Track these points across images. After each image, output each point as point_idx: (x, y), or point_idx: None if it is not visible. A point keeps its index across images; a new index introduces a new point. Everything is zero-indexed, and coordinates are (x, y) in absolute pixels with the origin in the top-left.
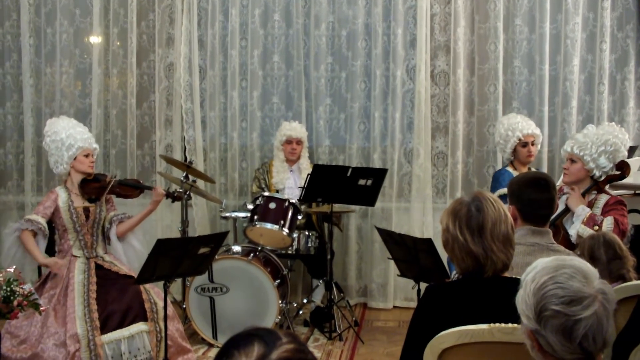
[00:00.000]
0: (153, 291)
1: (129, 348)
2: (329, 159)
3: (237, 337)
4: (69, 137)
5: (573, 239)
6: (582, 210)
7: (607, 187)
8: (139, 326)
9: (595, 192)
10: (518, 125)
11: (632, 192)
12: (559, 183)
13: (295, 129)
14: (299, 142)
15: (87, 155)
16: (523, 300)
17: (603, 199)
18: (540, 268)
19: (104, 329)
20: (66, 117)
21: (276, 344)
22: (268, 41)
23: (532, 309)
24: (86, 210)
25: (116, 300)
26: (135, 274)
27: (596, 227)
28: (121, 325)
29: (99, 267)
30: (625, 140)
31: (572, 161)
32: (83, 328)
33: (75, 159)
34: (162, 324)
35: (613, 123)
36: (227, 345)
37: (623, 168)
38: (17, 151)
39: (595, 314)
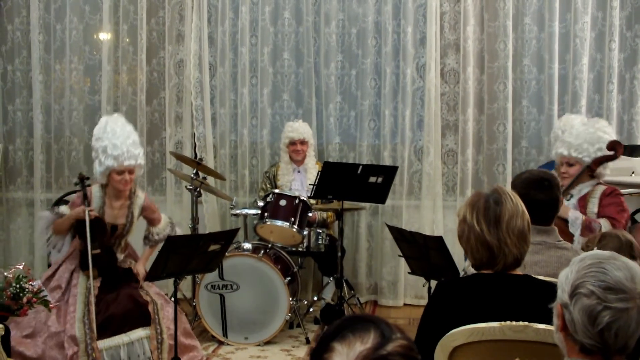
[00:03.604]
0: (152, 290)
1: (128, 354)
2: (339, 156)
3: (353, 320)
4: (105, 149)
5: (577, 247)
6: (575, 219)
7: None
8: (139, 332)
9: (590, 175)
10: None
11: None
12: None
13: (297, 129)
14: (302, 142)
15: (120, 173)
16: (565, 274)
17: (599, 190)
18: (592, 253)
19: (103, 334)
20: (119, 118)
21: (392, 337)
22: (278, 38)
23: (570, 283)
24: (113, 227)
25: (118, 305)
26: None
27: None
28: (121, 330)
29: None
30: (611, 129)
31: (570, 164)
32: (81, 331)
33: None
34: (163, 324)
35: (596, 118)
36: (341, 326)
37: (615, 148)
38: (26, 148)
39: (627, 311)
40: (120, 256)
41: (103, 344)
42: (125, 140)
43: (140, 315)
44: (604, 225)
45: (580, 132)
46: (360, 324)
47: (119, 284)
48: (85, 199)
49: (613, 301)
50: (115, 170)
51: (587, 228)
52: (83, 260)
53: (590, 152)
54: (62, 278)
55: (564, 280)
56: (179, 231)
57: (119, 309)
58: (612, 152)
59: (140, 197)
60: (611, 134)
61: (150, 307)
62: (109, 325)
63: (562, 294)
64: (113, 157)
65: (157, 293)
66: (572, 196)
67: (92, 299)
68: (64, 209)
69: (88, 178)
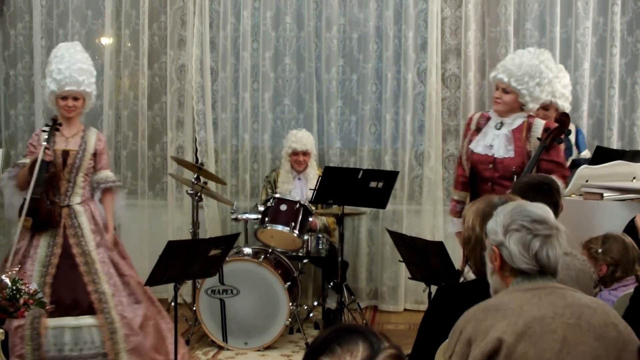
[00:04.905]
0: (104, 279)
1: (74, 339)
2: (340, 161)
3: (339, 332)
4: (51, 73)
5: None
6: None
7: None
8: (86, 319)
9: (521, 108)
10: None
11: None
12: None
13: (301, 140)
14: (305, 153)
15: (64, 98)
16: (494, 221)
17: (539, 126)
18: (509, 203)
19: (52, 312)
20: (74, 45)
21: (381, 347)
22: (279, 43)
23: (501, 225)
24: (65, 153)
25: (68, 288)
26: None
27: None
28: (68, 313)
29: (65, 245)
30: (557, 69)
31: (505, 91)
32: None
33: (56, 99)
34: (113, 313)
35: (543, 50)
36: (328, 339)
37: (563, 120)
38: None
39: (550, 237)
40: (77, 198)
41: (50, 322)
42: (70, 65)
43: (88, 304)
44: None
45: (524, 62)
46: (348, 336)
47: (73, 270)
48: (48, 140)
49: (540, 230)
50: (60, 96)
51: None
52: (22, 206)
53: (530, 85)
54: (24, 239)
55: (494, 225)
56: (124, 194)
57: (70, 293)
58: (557, 125)
59: (94, 130)
60: (553, 70)
61: (94, 297)
62: (58, 305)
63: (496, 236)
64: (56, 81)
65: (111, 281)
66: (502, 125)
67: (52, 271)
68: (23, 160)
69: (61, 124)
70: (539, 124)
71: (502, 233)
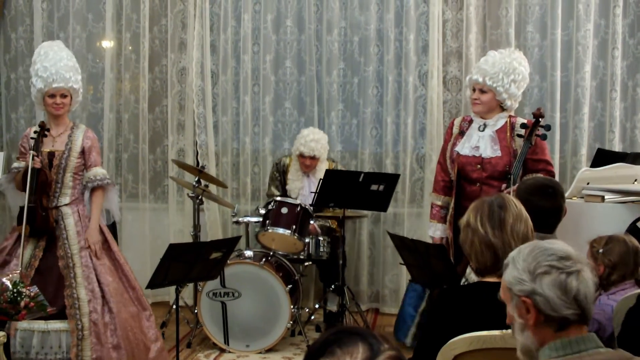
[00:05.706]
0: (83, 284)
1: (41, 343)
2: (341, 164)
3: (338, 334)
4: (36, 72)
5: None
6: None
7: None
8: (56, 324)
9: (501, 107)
10: None
11: None
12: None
13: (309, 144)
14: (312, 158)
15: (52, 96)
16: (513, 269)
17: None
18: (523, 246)
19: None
20: (56, 43)
21: (381, 349)
22: (280, 46)
23: (526, 271)
24: (51, 154)
25: (43, 292)
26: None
27: None
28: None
29: (48, 248)
30: (527, 66)
31: (482, 91)
32: None
33: (44, 98)
34: (85, 320)
35: (512, 48)
36: (328, 341)
37: (542, 114)
38: None
39: (581, 272)
40: (65, 199)
41: (20, 324)
42: (56, 62)
43: (60, 309)
44: None
45: (496, 61)
46: (347, 338)
47: (52, 271)
48: (36, 147)
49: (570, 266)
50: (47, 94)
51: None
52: (20, 214)
53: (505, 82)
54: (11, 239)
55: (516, 274)
56: (116, 191)
57: (45, 295)
58: (534, 120)
59: (82, 127)
60: (526, 66)
61: (68, 302)
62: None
63: (522, 286)
64: (42, 79)
65: (90, 287)
66: (485, 126)
67: (30, 273)
68: (17, 164)
69: (49, 130)
70: (520, 122)
71: (529, 280)
